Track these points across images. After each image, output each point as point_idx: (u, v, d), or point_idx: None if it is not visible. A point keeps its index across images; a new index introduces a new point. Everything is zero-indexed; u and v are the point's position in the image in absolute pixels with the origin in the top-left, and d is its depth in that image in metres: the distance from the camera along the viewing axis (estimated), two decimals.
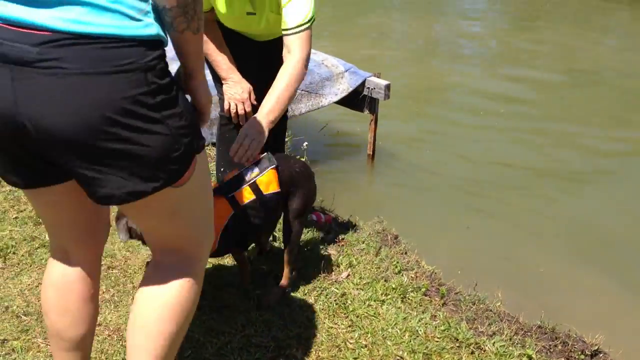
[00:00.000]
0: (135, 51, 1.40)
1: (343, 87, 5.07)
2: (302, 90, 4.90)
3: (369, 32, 9.75)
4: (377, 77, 5.09)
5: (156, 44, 1.45)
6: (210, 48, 2.95)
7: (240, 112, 3.04)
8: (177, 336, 1.74)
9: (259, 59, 3.11)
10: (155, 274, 1.74)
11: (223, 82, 3.04)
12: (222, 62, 2.99)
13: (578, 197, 4.93)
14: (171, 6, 1.47)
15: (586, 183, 5.11)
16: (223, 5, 2.83)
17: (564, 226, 4.44)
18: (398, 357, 2.54)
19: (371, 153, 5.28)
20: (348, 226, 3.73)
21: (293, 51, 2.65)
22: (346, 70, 5.15)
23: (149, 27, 1.43)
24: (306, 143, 4.50)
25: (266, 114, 2.59)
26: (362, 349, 2.56)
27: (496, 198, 4.79)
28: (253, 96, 3.03)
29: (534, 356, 2.58)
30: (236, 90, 3.01)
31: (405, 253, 3.49)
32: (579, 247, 4.28)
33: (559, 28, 10.08)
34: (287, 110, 3.60)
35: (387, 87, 5.00)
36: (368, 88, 5.07)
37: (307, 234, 3.37)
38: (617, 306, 3.67)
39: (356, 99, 5.15)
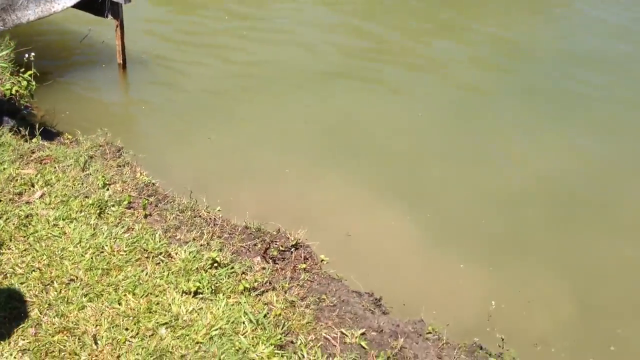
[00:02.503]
0: None
1: None
2: None
3: None
4: None
5: None
6: None
7: None
8: None
9: None
10: None
11: None
12: None
13: (330, 94, 4.95)
14: None
15: (327, 86, 5.11)
16: None
17: (313, 124, 4.45)
18: (73, 277, 2.39)
19: (122, 62, 4.94)
20: (64, 142, 3.46)
21: None
22: None
23: None
24: (33, 54, 4.07)
25: None
26: (32, 273, 2.38)
27: (248, 102, 4.69)
28: None
29: (218, 258, 2.54)
30: None
31: (124, 166, 3.31)
32: (327, 146, 4.33)
33: None
34: None
35: None
36: None
37: (2, 154, 3.06)
38: (337, 201, 3.77)
39: (97, 3, 4.73)
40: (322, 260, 2.80)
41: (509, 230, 3.62)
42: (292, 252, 2.83)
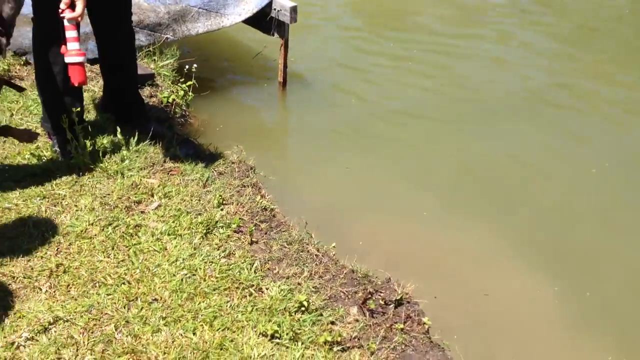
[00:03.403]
0: None
1: (248, 8, 4.73)
2: (200, 8, 4.58)
3: None
4: None
5: None
6: None
7: None
8: None
9: None
10: None
11: None
12: None
13: (497, 133, 4.56)
14: None
15: (497, 122, 4.69)
16: None
17: (466, 165, 4.10)
18: (157, 297, 2.34)
19: (282, 81, 4.96)
20: (200, 155, 3.47)
21: None
22: None
23: None
24: (195, 65, 4.20)
25: None
26: (121, 286, 2.36)
27: (400, 133, 4.45)
28: None
29: (305, 302, 2.35)
30: None
31: (248, 186, 3.24)
32: (477, 192, 3.97)
33: None
34: None
35: (294, 9, 4.64)
36: (275, 9, 4.72)
37: (135, 161, 3.13)
38: (472, 255, 3.42)
39: (265, 21, 4.81)
40: (424, 323, 2.49)
41: None
42: (398, 306, 2.56)
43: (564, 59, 5.81)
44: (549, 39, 6.20)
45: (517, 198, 3.89)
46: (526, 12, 6.85)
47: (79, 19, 2.60)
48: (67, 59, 2.64)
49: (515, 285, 3.36)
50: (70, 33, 2.62)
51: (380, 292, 2.62)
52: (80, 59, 2.64)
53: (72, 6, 2.57)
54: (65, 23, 2.60)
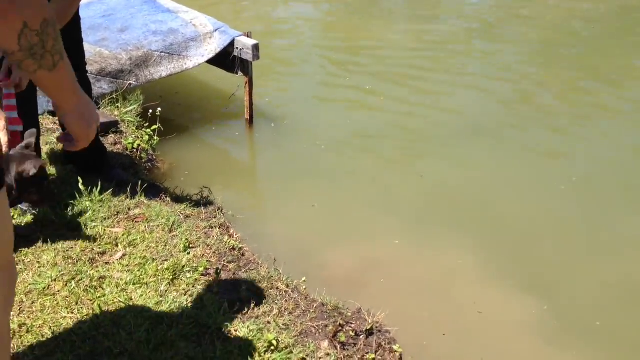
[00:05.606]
0: None
1: (211, 48, 4.76)
2: (162, 52, 4.60)
3: None
4: (247, 37, 4.77)
5: None
6: None
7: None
8: None
9: None
10: None
11: None
12: None
13: (466, 155, 4.59)
14: (13, 51, 1.26)
15: (456, 143, 4.72)
16: None
17: (415, 193, 4.10)
18: (122, 350, 2.30)
19: (249, 118, 4.98)
20: (165, 199, 3.46)
21: None
22: (216, 30, 4.83)
23: None
24: (159, 109, 4.21)
25: None
26: (86, 342, 2.32)
27: (357, 168, 4.42)
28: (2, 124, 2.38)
29: (274, 341, 2.33)
30: None
31: (215, 227, 3.22)
32: (430, 218, 3.95)
33: None
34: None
35: (256, 47, 4.68)
36: (237, 48, 4.76)
37: (98, 211, 3.10)
38: (446, 279, 3.41)
39: (228, 60, 4.84)
40: (395, 351, 2.48)
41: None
42: (370, 336, 2.54)
43: (524, 74, 5.88)
44: (511, 54, 6.29)
45: (483, 219, 3.89)
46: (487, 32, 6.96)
47: (20, 88, 2.58)
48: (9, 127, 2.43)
49: (498, 308, 3.35)
50: (9, 101, 2.52)
51: (351, 324, 2.61)
52: (20, 127, 2.48)
53: (9, 75, 2.56)
54: (4, 91, 2.53)
